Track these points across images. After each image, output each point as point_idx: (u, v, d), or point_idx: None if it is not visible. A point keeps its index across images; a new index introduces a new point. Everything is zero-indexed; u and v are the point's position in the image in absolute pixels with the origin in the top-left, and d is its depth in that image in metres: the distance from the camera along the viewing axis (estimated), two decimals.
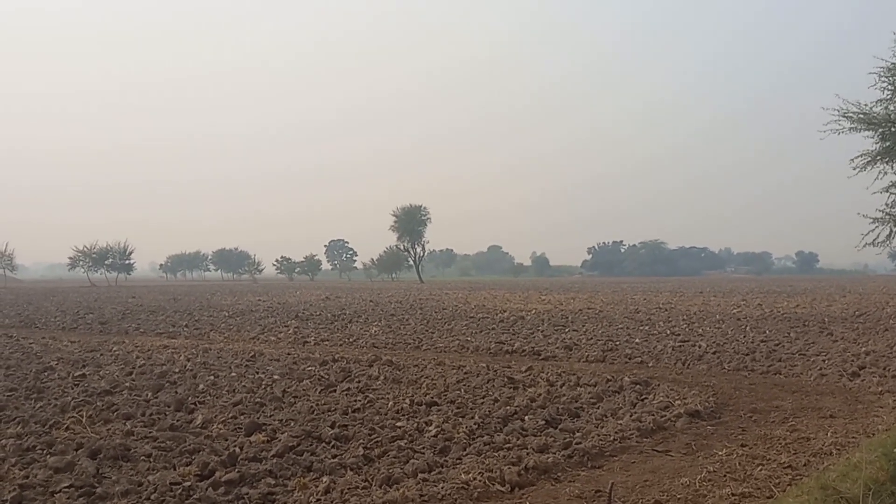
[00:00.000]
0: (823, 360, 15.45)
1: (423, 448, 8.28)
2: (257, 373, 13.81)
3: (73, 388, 11.97)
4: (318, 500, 6.44)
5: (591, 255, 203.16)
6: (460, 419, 9.76)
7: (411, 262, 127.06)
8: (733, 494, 6.56)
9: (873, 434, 8.78)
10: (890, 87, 24.32)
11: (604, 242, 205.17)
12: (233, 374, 13.66)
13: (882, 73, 24.26)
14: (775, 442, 8.74)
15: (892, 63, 24.12)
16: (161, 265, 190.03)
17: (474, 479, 7.02)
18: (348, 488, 6.73)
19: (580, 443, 8.48)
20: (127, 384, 12.40)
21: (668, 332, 22.41)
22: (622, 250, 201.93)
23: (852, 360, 15.31)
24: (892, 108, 24.36)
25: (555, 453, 8.03)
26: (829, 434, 9.02)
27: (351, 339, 20.85)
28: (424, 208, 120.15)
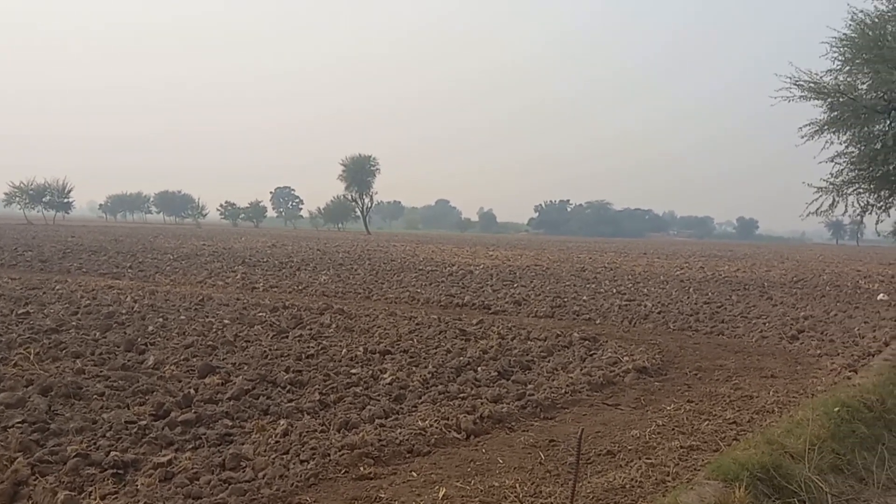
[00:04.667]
0: (764, 323, 15.93)
1: (379, 395, 8.35)
2: (207, 317, 13.68)
3: (17, 326, 11.69)
4: (276, 441, 6.46)
5: (537, 214, 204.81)
6: (414, 368, 9.85)
7: (358, 213, 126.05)
8: (682, 447, 6.77)
9: (813, 394, 9.11)
10: (840, 57, 24.78)
11: (550, 201, 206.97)
12: (182, 317, 13.51)
13: (834, 44, 24.69)
14: (720, 399, 9.02)
15: (844, 34, 24.54)
16: (101, 205, 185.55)
17: (431, 426, 7.11)
18: (306, 431, 6.76)
19: (532, 394, 8.63)
20: (73, 323, 12.16)
21: (615, 290, 22.80)
22: (568, 209, 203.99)
23: (791, 324, 15.82)
24: (841, 78, 24.84)
25: (508, 404, 8.17)
26: (770, 393, 9.34)
27: (300, 287, 20.74)
28: (374, 158, 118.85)
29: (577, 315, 16.68)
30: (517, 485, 5.65)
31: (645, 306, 18.49)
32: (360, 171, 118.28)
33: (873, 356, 11.95)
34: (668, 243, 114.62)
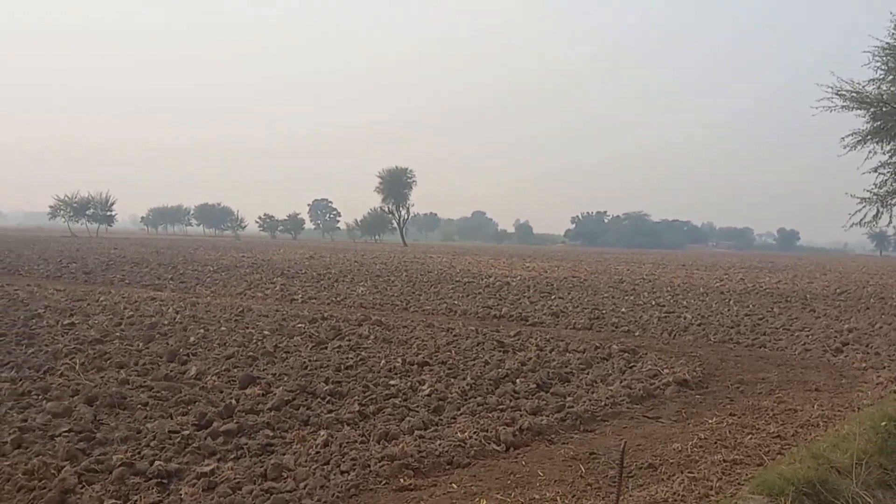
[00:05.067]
0: (807, 336, 15.67)
1: (418, 406, 8.37)
2: (247, 328, 13.82)
3: (63, 336, 11.94)
4: (317, 452, 6.51)
5: (574, 225, 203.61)
6: (452, 380, 9.85)
7: (395, 225, 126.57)
8: (724, 461, 6.68)
9: (858, 408, 8.94)
10: (883, 66, 24.38)
11: (587, 213, 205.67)
12: (222, 328, 13.66)
13: (876, 53, 24.31)
14: (763, 412, 8.89)
15: (887, 43, 24.15)
16: (142, 218, 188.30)
17: (470, 437, 7.11)
18: (346, 442, 6.80)
19: (572, 407, 8.58)
20: (117, 334, 12.38)
21: (654, 302, 22.60)
22: (605, 221, 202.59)
23: (835, 337, 15.54)
24: (884, 87, 24.43)
25: (548, 416, 8.13)
26: (815, 406, 9.18)
27: (338, 299, 20.87)
28: (410, 171, 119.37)
29: (616, 327, 16.55)
30: (558, 497, 5.62)
31: (685, 318, 18.29)
32: (396, 183, 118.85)
33: None
34: (708, 255, 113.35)
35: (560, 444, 7.35)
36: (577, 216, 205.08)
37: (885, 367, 12.11)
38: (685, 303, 22.87)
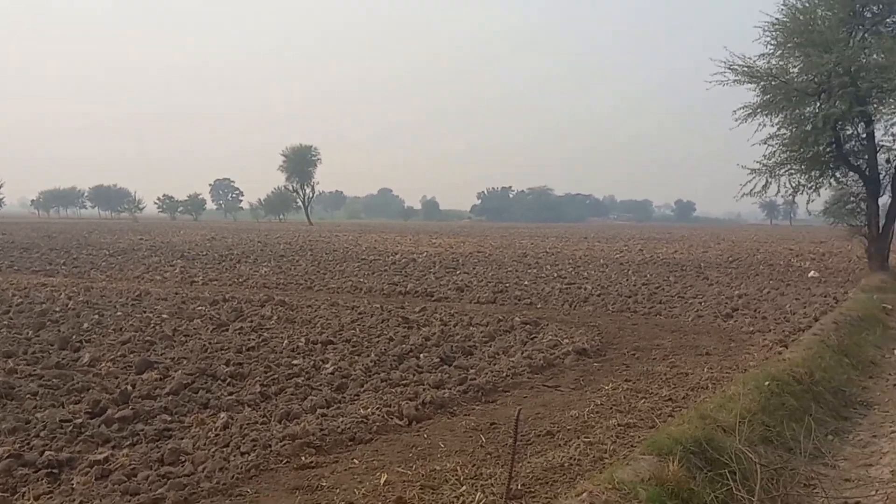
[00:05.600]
0: (700, 303, 16.31)
1: (321, 385, 8.33)
2: (144, 311, 13.45)
3: None
4: (216, 434, 6.42)
5: (479, 201, 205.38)
6: (356, 357, 9.84)
7: (300, 204, 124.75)
8: (619, 425, 6.93)
9: (745, 370, 9.38)
10: (773, 41, 25.34)
11: (493, 188, 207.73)
12: (118, 312, 13.25)
13: (766, 28, 25.23)
14: (657, 377, 9.24)
15: (777, 18, 25.11)
16: (32, 201, 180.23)
17: (373, 413, 7.14)
18: (247, 423, 6.72)
19: (474, 379, 8.72)
20: (5, 322, 11.85)
21: (556, 275, 23.06)
22: (511, 196, 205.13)
23: (726, 303, 16.23)
24: (773, 62, 25.39)
25: (450, 389, 8.24)
26: (705, 370, 9.60)
27: (240, 280, 20.51)
28: (315, 148, 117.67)
29: (519, 300, 16.84)
30: (458, 468, 5.71)
31: (585, 289, 18.75)
32: (301, 162, 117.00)
33: (803, 332, 12.32)
34: (609, 227, 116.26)
35: (462, 415, 7.47)
36: (483, 192, 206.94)
37: (770, 331, 12.73)
38: (586, 274, 23.42)
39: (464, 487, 5.27)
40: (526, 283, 20.42)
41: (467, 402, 7.97)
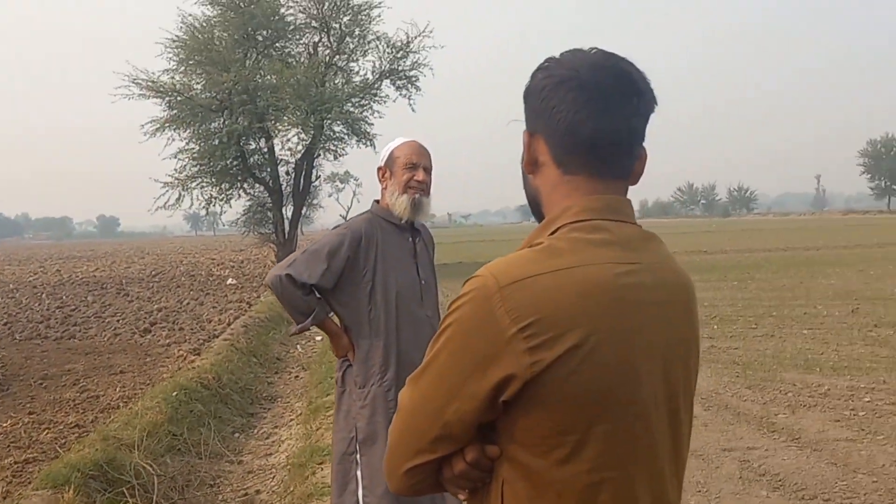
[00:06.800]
0: (118, 321, 15.94)
1: None
2: None
3: None
4: None
5: None
6: None
7: None
8: (16, 462, 6.40)
9: (156, 383, 9.46)
10: (175, 58, 26.01)
11: None
12: None
13: (167, 45, 25.80)
14: (64, 404, 8.75)
15: (177, 36, 25.83)
16: None
17: None
18: None
19: None
20: None
21: None
22: None
23: (145, 318, 16.14)
24: (178, 78, 26.06)
25: None
26: (117, 389, 9.40)
27: None
28: None
29: None
30: None
31: None
32: None
33: (217, 338, 12.90)
34: (24, 248, 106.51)
35: None
36: None
37: (186, 341, 13.02)
38: None
39: None
40: None
41: None
